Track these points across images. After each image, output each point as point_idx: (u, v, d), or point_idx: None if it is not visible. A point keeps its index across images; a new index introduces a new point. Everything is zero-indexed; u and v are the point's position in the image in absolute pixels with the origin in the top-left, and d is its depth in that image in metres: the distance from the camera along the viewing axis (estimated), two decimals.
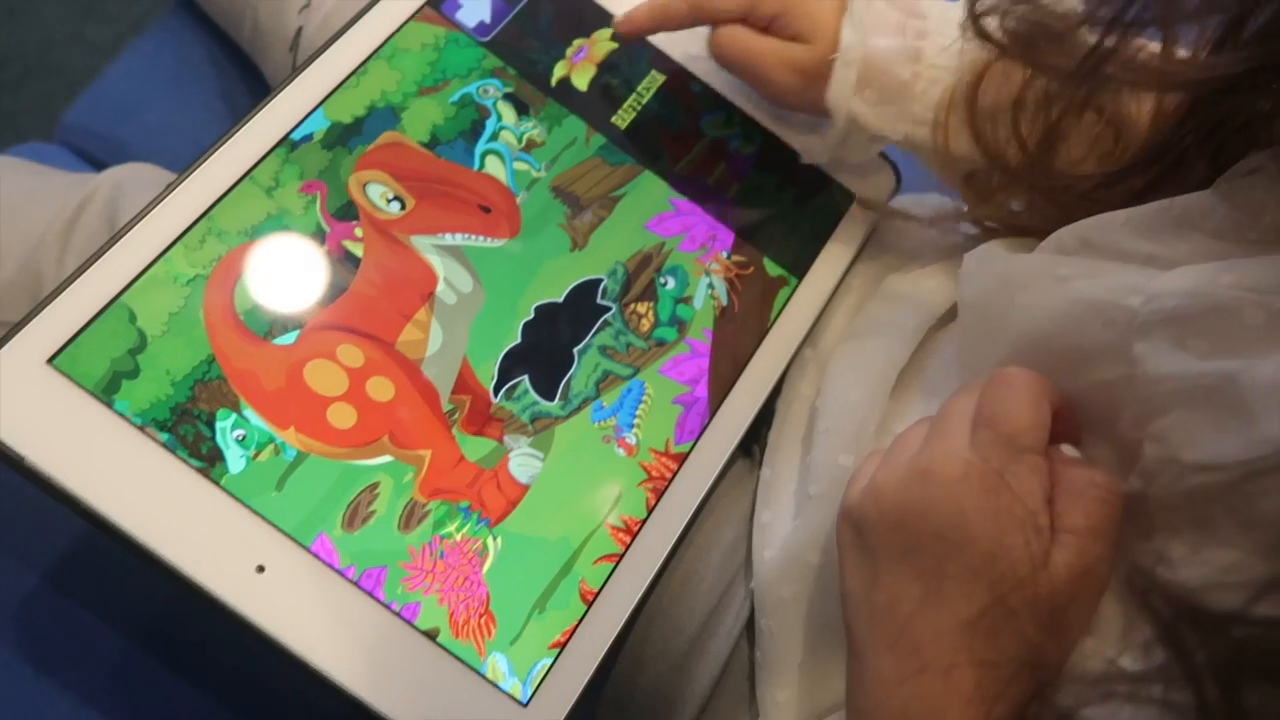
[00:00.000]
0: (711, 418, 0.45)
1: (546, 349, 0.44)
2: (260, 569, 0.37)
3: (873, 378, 0.42)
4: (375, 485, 0.40)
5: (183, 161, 0.43)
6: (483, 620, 0.39)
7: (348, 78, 0.44)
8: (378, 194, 0.43)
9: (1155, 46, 0.36)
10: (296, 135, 0.43)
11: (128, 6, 1.08)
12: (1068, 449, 0.33)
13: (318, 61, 0.44)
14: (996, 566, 0.29)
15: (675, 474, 0.43)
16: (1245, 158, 0.32)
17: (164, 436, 0.38)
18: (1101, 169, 0.38)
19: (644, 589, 0.41)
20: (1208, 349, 0.29)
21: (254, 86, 0.60)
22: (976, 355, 0.38)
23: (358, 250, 0.42)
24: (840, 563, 0.33)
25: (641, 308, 0.46)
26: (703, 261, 0.47)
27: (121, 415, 0.37)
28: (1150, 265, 0.32)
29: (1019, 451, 0.31)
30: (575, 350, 0.44)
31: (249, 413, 0.39)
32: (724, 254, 0.48)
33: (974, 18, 0.39)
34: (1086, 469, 0.31)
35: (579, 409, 0.43)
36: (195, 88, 0.60)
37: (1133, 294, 0.31)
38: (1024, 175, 0.40)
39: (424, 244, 0.43)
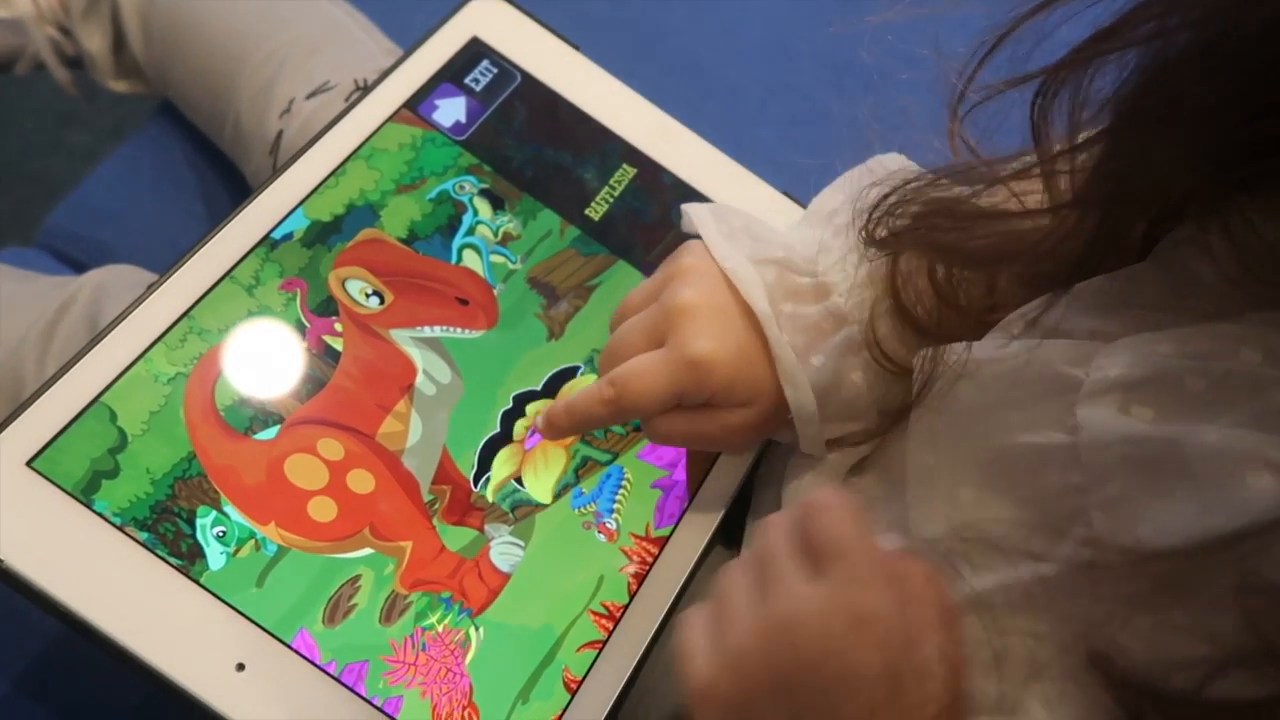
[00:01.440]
0: (691, 500, 0.45)
1: None
2: (240, 667, 0.37)
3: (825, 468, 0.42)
4: (356, 578, 0.39)
5: (164, 263, 0.43)
6: (466, 712, 0.39)
7: (327, 178, 0.46)
8: (357, 289, 0.44)
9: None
10: (277, 234, 0.44)
11: (105, 113, 1.10)
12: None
13: (298, 163, 0.45)
14: (902, 698, 0.28)
15: (656, 558, 0.44)
16: (1175, 229, 0.33)
17: (144, 535, 0.38)
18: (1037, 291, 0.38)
19: (628, 676, 0.41)
20: (1152, 416, 0.30)
21: (235, 189, 0.61)
22: (923, 434, 0.38)
23: (338, 344, 0.43)
24: None
25: None
26: None
27: (101, 515, 0.37)
28: (1095, 339, 0.33)
29: (868, 576, 0.29)
30: (571, 448, 0.44)
31: (229, 509, 0.39)
32: None
33: (867, 231, 0.39)
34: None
35: (559, 496, 0.44)
36: (176, 191, 0.61)
37: (1078, 365, 0.32)
38: (971, 324, 0.39)
39: (403, 337, 0.44)
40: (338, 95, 0.52)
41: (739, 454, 0.46)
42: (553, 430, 0.43)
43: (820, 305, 0.41)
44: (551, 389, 0.45)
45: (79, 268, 0.61)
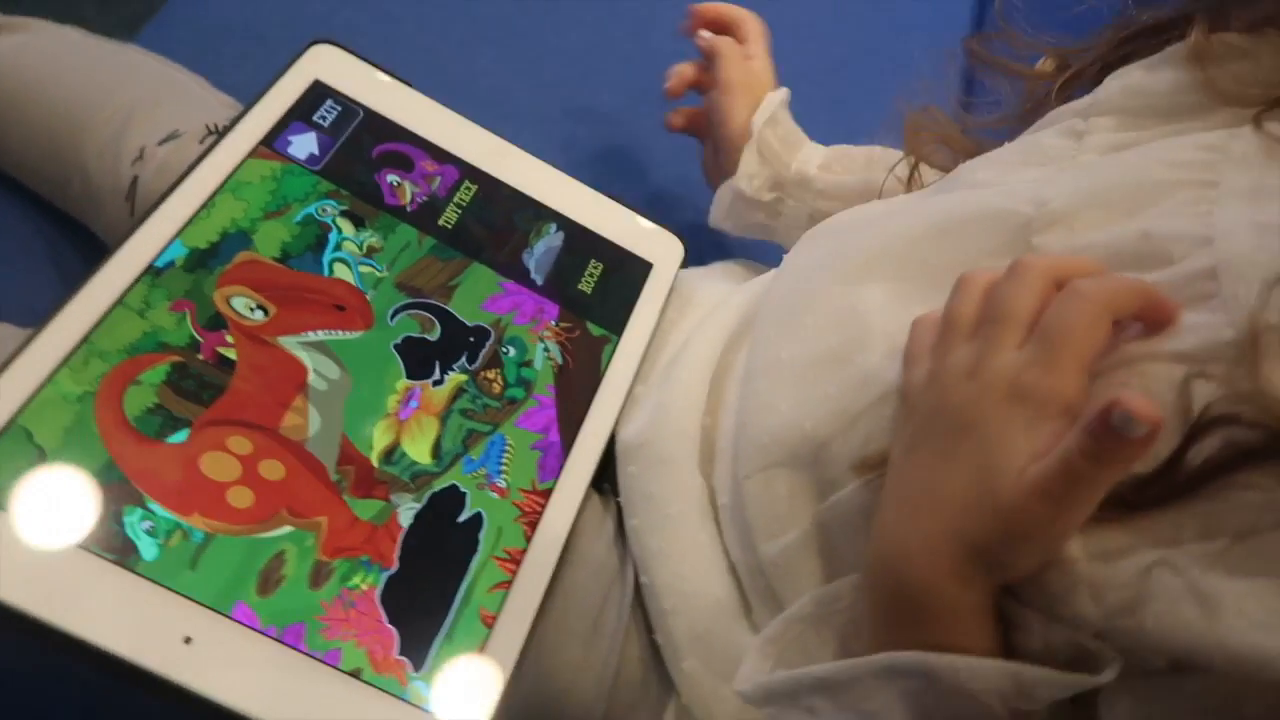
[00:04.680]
0: (566, 457, 0.52)
1: None
2: (188, 640, 0.40)
3: (703, 357, 0.51)
4: (281, 553, 0.44)
5: (27, 323, 0.46)
6: (398, 654, 0.43)
7: (199, 210, 0.50)
8: (242, 305, 0.49)
9: None
10: (159, 263, 0.48)
11: None
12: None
13: (169, 199, 0.49)
14: (988, 463, 0.34)
15: (544, 507, 0.50)
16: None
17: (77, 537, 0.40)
18: None
19: (537, 604, 0.47)
20: (1104, 218, 0.39)
21: (84, 246, 0.63)
22: (843, 260, 0.48)
23: (231, 354, 0.47)
24: (895, 436, 0.39)
25: (491, 374, 0.52)
26: (535, 331, 0.55)
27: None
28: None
29: (1059, 371, 0.34)
30: (441, 416, 0.50)
31: (153, 505, 0.42)
32: (552, 323, 0.55)
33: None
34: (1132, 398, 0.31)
35: (452, 464, 0.49)
36: (24, 257, 0.63)
37: (1025, 203, 0.41)
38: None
39: (290, 343, 0.49)
40: (190, 140, 0.56)
41: (725, 140, 0.69)
42: (677, 80, 0.72)
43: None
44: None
45: None
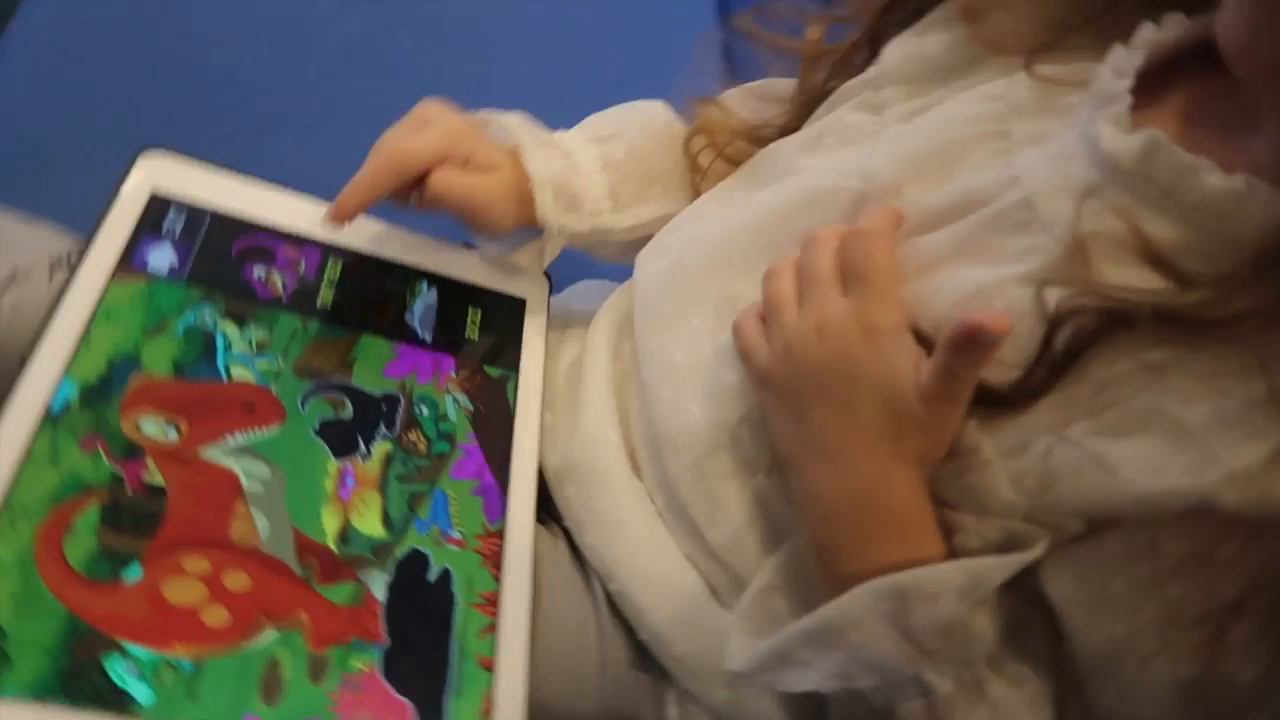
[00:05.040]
0: (506, 494, 0.53)
1: None
2: None
3: (598, 372, 0.57)
4: (274, 659, 0.43)
5: None
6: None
7: (77, 346, 0.48)
8: (152, 427, 0.47)
9: None
10: (55, 407, 0.46)
11: None
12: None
13: (42, 343, 0.47)
14: (888, 389, 0.41)
15: (502, 545, 0.51)
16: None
17: (66, 701, 0.39)
18: None
19: (526, 636, 0.48)
20: (927, 183, 0.46)
21: None
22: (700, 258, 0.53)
23: (158, 479, 0.46)
24: (769, 420, 0.44)
25: (413, 436, 0.53)
26: (440, 385, 0.56)
27: (15, 699, 0.38)
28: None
29: (883, 299, 0.42)
30: (380, 487, 0.50)
31: (131, 648, 0.41)
32: (452, 374, 0.57)
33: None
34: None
35: (405, 530, 0.50)
36: None
37: (854, 179, 0.46)
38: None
39: (213, 453, 0.48)
40: (38, 278, 0.53)
41: (490, 227, 0.57)
42: (341, 211, 0.53)
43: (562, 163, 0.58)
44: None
45: None
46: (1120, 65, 0.43)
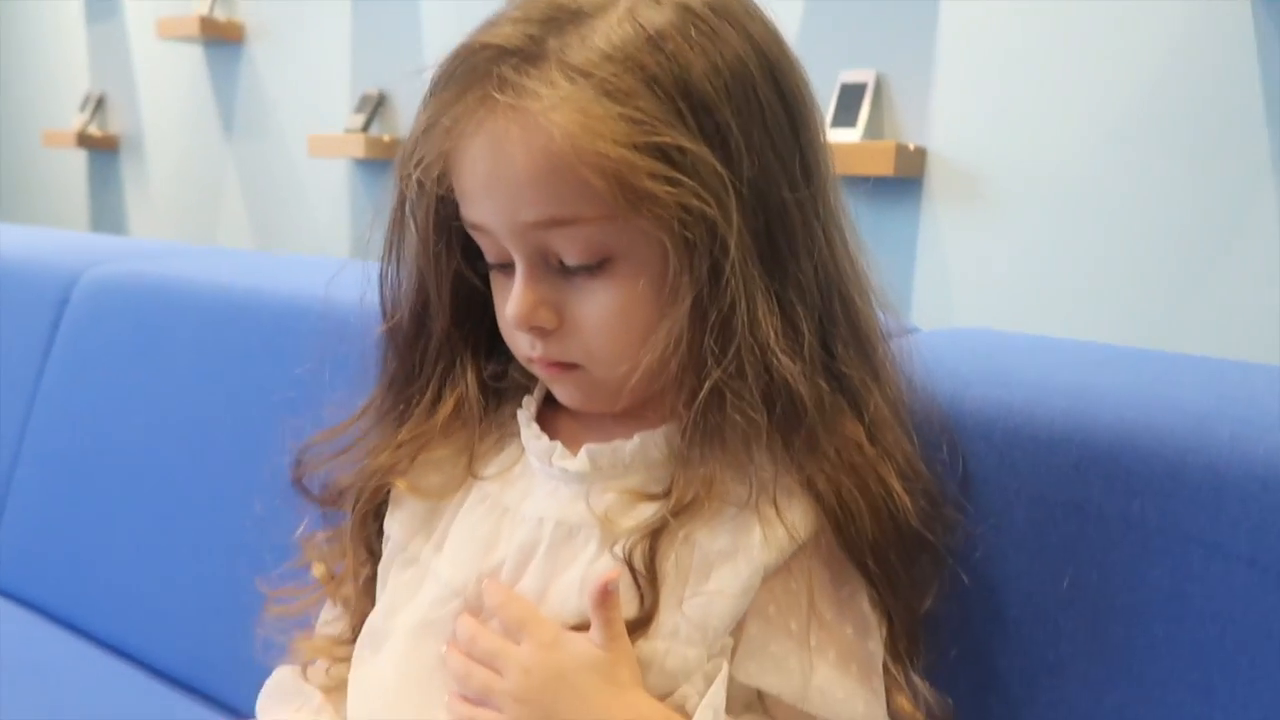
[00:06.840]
0: None
1: None
2: None
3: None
4: None
5: None
6: None
7: None
8: None
9: None
10: None
11: None
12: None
13: None
14: (588, 660, 0.56)
15: None
16: None
17: None
18: None
19: None
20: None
21: None
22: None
23: None
24: None
25: None
26: None
27: None
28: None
29: (541, 626, 0.58)
30: None
31: None
32: None
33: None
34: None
35: None
36: None
37: (449, 599, 0.61)
38: None
39: None
40: None
41: None
42: None
43: None
44: None
45: None
46: (531, 438, 0.64)
